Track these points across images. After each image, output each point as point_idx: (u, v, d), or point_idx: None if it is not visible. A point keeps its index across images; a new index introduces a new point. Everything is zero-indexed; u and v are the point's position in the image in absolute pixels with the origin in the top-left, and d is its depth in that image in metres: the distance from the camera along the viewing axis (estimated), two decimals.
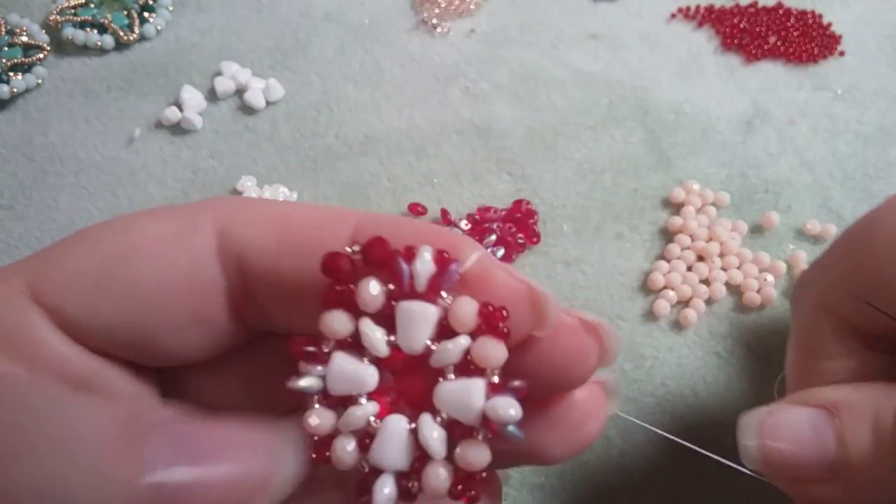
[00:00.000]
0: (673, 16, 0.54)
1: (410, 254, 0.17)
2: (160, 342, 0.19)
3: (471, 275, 0.18)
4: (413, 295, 0.17)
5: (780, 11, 0.54)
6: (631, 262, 0.42)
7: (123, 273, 0.19)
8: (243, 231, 0.19)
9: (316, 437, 0.18)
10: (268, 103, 0.48)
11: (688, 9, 0.54)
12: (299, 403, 0.18)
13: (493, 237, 0.42)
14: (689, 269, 0.42)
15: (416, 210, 0.43)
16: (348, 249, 0.18)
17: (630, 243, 0.43)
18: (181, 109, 0.47)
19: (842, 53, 0.51)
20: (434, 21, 0.52)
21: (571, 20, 0.53)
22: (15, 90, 0.47)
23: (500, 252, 0.41)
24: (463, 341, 0.17)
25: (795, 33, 0.52)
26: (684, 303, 0.41)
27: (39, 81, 0.48)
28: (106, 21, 0.50)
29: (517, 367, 0.17)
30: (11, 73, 0.47)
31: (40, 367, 0.18)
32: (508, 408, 0.17)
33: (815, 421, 0.23)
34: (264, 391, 0.21)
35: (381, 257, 0.17)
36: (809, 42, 0.52)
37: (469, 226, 0.43)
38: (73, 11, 0.51)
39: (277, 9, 0.53)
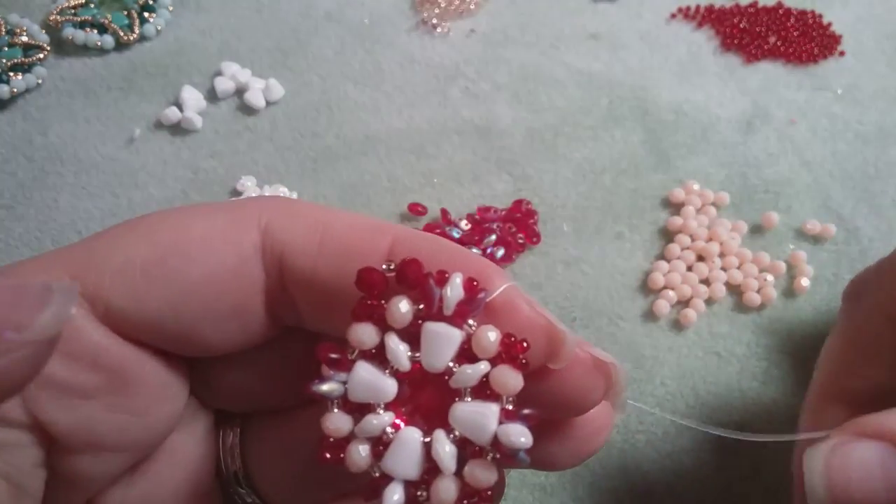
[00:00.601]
0: (673, 16, 0.54)
1: (442, 278, 0.18)
2: (201, 334, 0.20)
3: (496, 304, 0.18)
4: (440, 317, 0.18)
5: (780, 11, 0.54)
6: (631, 262, 0.42)
7: (174, 266, 0.19)
8: (286, 232, 0.20)
9: (331, 439, 0.18)
10: (268, 103, 0.48)
11: (688, 9, 0.54)
12: (307, 394, 0.18)
13: (493, 237, 0.42)
14: (689, 269, 0.42)
15: (416, 210, 0.43)
16: (384, 267, 0.18)
17: (630, 243, 0.43)
18: (181, 109, 0.47)
19: (842, 53, 0.51)
20: (434, 21, 0.52)
21: (571, 20, 0.53)
22: (15, 90, 0.47)
23: (501, 252, 0.41)
24: (483, 367, 0.18)
25: (795, 33, 0.52)
26: (684, 303, 0.41)
27: (39, 81, 0.48)
28: (106, 21, 0.50)
29: (528, 394, 0.18)
30: (11, 73, 0.47)
31: (80, 359, 0.19)
32: (520, 435, 0.18)
33: (885, 459, 0.22)
34: (283, 381, 0.22)
35: (415, 279, 0.18)
36: (809, 42, 0.52)
37: (469, 226, 0.43)
38: (73, 11, 0.51)
39: (277, 9, 0.53)
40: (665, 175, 0.45)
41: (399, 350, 0.18)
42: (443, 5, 0.52)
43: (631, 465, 0.36)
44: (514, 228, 0.42)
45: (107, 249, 0.19)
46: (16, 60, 0.48)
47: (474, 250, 0.41)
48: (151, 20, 0.51)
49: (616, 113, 0.48)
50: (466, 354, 0.18)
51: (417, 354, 0.18)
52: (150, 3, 0.51)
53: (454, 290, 0.18)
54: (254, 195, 0.44)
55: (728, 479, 0.36)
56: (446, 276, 0.18)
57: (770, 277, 0.41)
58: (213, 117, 0.48)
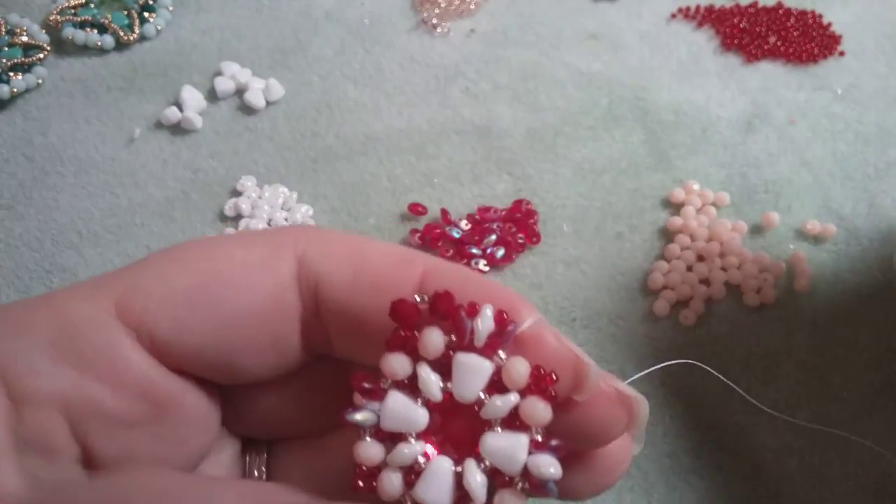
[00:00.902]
0: (673, 16, 0.54)
1: (473, 310, 0.19)
2: (239, 363, 0.20)
3: (524, 336, 0.19)
4: (471, 348, 0.19)
5: (780, 11, 0.54)
6: (631, 262, 0.42)
7: (216, 296, 0.20)
8: (322, 262, 0.20)
9: (364, 468, 0.19)
10: (268, 103, 0.48)
11: (688, 9, 0.54)
12: (341, 422, 0.19)
13: (493, 237, 0.42)
14: (689, 269, 0.42)
15: (416, 210, 0.43)
16: (417, 298, 0.19)
17: (630, 243, 0.43)
18: (181, 109, 0.47)
19: (842, 53, 0.51)
20: (434, 21, 0.52)
21: (571, 20, 0.53)
22: (15, 90, 0.47)
23: (501, 252, 0.41)
24: (513, 398, 0.19)
25: (795, 33, 0.52)
26: (684, 303, 0.41)
27: (39, 81, 0.48)
28: (106, 21, 0.50)
29: (552, 425, 0.19)
30: (11, 73, 0.47)
31: (126, 388, 0.19)
32: (549, 466, 0.18)
33: None
34: (313, 408, 0.23)
35: (447, 311, 0.19)
36: (809, 42, 0.52)
37: (469, 225, 0.43)
38: (73, 11, 0.51)
39: (277, 9, 0.53)
40: (665, 175, 0.45)
41: (431, 380, 0.19)
42: (443, 5, 0.52)
43: (631, 463, 0.36)
44: (514, 228, 0.42)
45: (150, 279, 0.20)
46: (16, 60, 0.48)
47: (474, 250, 0.42)
48: (151, 20, 0.51)
49: (616, 113, 0.48)
50: (496, 385, 0.19)
51: (448, 385, 0.19)
52: (150, 3, 0.51)
53: (485, 323, 0.19)
54: (254, 195, 0.44)
55: (728, 479, 0.36)
56: (477, 308, 0.19)
57: (770, 277, 0.41)
58: (213, 117, 0.48)
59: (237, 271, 0.20)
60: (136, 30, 0.50)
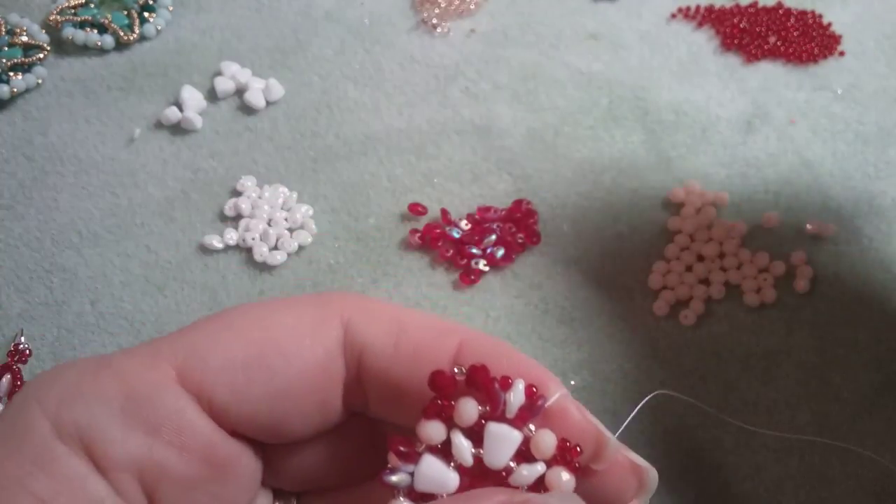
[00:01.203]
0: (673, 16, 0.54)
1: (506, 383, 0.20)
2: (289, 425, 0.22)
3: (550, 409, 0.21)
4: (502, 419, 0.20)
5: (780, 11, 0.54)
6: (631, 262, 0.42)
7: (271, 366, 0.21)
8: (366, 331, 0.22)
9: None
10: (268, 103, 0.48)
11: (688, 9, 0.54)
12: (372, 474, 0.21)
13: (493, 237, 0.42)
14: (689, 269, 0.42)
15: (417, 210, 0.43)
16: (455, 370, 0.21)
17: (630, 243, 0.43)
18: (181, 109, 0.47)
19: (842, 53, 0.51)
20: (434, 21, 0.52)
21: (571, 20, 0.53)
22: (15, 90, 0.47)
23: (500, 252, 0.41)
24: (539, 468, 0.20)
25: (795, 33, 0.52)
26: (684, 303, 0.41)
27: (39, 81, 0.48)
28: (106, 21, 0.50)
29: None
30: (11, 73, 0.47)
31: (191, 450, 0.21)
32: None
33: None
34: (342, 461, 0.24)
35: (483, 383, 0.20)
36: (809, 42, 0.52)
37: (469, 225, 0.43)
38: (73, 11, 0.51)
39: (277, 9, 0.53)
40: (665, 175, 0.45)
41: (464, 447, 0.20)
42: (443, 5, 0.52)
43: None
44: (514, 228, 0.42)
45: (207, 348, 0.21)
46: (16, 60, 0.48)
47: (474, 250, 0.42)
48: (151, 20, 0.51)
49: (616, 113, 0.48)
50: (523, 454, 0.20)
51: (479, 451, 0.20)
52: (150, 3, 0.51)
53: (517, 396, 0.20)
54: (254, 195, 0.44)
55: (728, 478, 0.36)
56: (510, 381, 0.20)
57: (770, 277, 0.41)
58: (213, 117, 0.48)
59: (289, 340, 0.21)
60: (136, 30, 0.50)
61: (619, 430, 0.28)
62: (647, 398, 0.34)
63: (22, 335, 0.39)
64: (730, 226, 0.43)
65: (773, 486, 0.36)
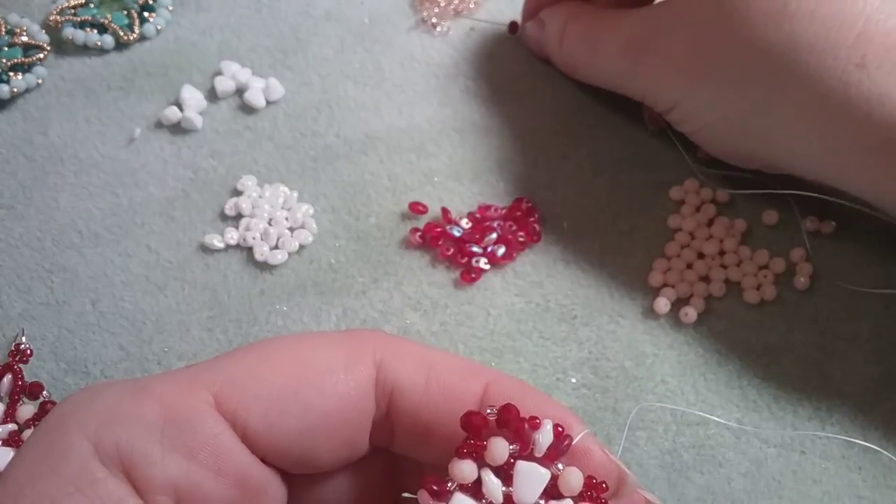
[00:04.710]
0: None
1: (534, 423, 0.21)
2: (318, 457, 0.23)
3: (575, 447, 0.22)
4: (531, 458, 0.21)
5: None
6: (631, 260, 0.42)
7: (305, 400, 0.22)
8: (397, 370, 0.23)
9: None
10: (268, 103, 0.48)
11: None
12: None
13: (494, 235, 0.42)
14: (689, 266, 0.42)
15: (417, 209, 0.43)
16: (488, 411, 0.22)
17: (630, 241, 0.43)
18: (181, 109, 0.47)
19: None
20: (434, 20, 0.52)
21: None
22: (15, 90, 0.47)
23: (501, 250, 0.42)
24: None
25: None
26: (684, 300, 0.41)
27: (39, 81, 0.48)
28: (106, 21, 0.50)
29: None
30: (11, 73, 0.47)
31: (226, 475, 0.21)
32: None
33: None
34: (363, 493, 0.25)
35: (513, 423, 0.21)
36: None
37: (469, 224, 0.43)
38: (73, 11, 0.51)
39: (277, 8, 0.53)
40: (665, 172, 0.45)
41: (495, 485, 0.21)
42: (442, 4, 0.52)
43: (631, 461, 0.36)
44: (514, 227, 0.43)
45: (244, 376, 0.22)
46: (16, 60, 0.48)
47: (475, 249, 0.42)
48: (151, 20, 0.51)
49: (615, 110, 0.48)
50: (550, 493, 0.21)
51: (508, 488, 0.21)
52: (150, 2, 0.51)
53: (545, 436, 0.21)
54: (254, 195, 0.44)
55: (728, 475, 0.36)
56: (538, 421, 0.21)
57: (770, 275, 0.41)
58: (213, 117, 0.48)
59: (323, 376, 0.22)
60: (136, 30, 0.50)
61: (619, 449, 0.30)
62: (631, 414, 0.35)
63: (23, 335, 0.39)
64: (730, 223, 0.43)
65: (773, 485, 0.36)
